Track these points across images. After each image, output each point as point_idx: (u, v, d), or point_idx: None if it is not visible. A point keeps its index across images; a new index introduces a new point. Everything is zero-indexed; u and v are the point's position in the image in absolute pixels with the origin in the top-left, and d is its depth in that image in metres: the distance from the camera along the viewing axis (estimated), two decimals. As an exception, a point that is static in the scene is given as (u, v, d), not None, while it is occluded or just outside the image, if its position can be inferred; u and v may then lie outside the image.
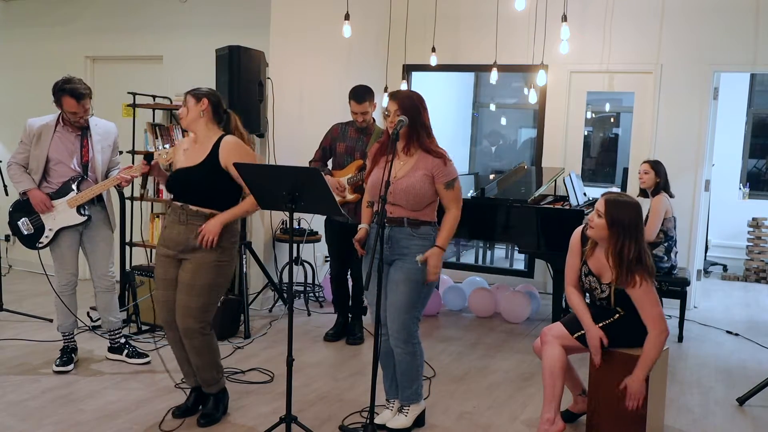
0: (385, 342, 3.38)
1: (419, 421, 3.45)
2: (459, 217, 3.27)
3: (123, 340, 4.25)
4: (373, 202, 3.35)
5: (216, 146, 3.26)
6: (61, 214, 3.92)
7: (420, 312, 3.31)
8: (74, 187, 3.94)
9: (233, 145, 3.27)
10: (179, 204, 3.29)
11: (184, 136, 3.46)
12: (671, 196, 5.25)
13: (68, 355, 4.09)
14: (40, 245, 3.95)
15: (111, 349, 4.25)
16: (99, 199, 4.04)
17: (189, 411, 3.45)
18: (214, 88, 4.96)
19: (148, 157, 3.56)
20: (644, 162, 5.38)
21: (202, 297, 3.25)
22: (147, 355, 4.20)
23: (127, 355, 4.19)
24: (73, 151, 3.97)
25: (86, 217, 3.96)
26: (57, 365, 4.00)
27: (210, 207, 3.26)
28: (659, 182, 5.23)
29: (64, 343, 4.13)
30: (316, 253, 6.06)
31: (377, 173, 3.27)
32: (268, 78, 5.17)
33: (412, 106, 3.19)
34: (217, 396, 3.47)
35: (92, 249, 4.09)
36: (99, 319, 4.82)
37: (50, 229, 3.93)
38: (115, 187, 3.96)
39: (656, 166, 5.28)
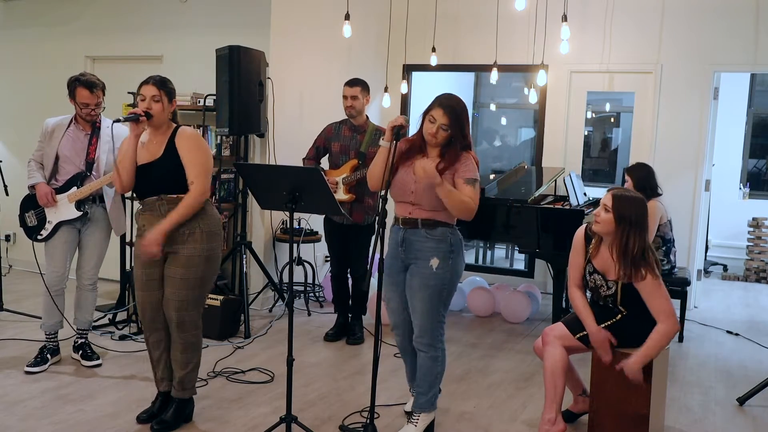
0: (401, 340, 3.36)
1: (428, 431, 3.37)
2: (471, 203, 3.15)
3: (83, 341, 4.20)
4: (396, 202, 3.31)
5: (172, 137, 3.26)
6: (62, 209, 4.01)
7: (443, 315, 3.25)
8: (77, 183, 4.01)
9: (191, 137, 3.27)
10: (154, 198, 3.25)
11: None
12: (658, 194, 5.00)
13: (43, 355, 4.05)
14: (40, 237, 4.05)
15: (74, 349, 4.23)
16: (101, 200, 4.09)
17: (155, 416, 3.35)
18: (214, 88, 5.03)
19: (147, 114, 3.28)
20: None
21: (197, 288, 3.24)
22: (98, 357, 4.16)
23: (82, 356, 4.15)
24: (80, 149, 4.04)
25: (82, 212, 4.02)
26: (28, 365, 3.97)
27: (185, 192, 3.20)
28: (638, 187, 4.80)
29: (46, 342, 4.11)
30: (316, 253, 6.06)
31: (402, 174, 3.21)
32: (268, 78, 5.17)
33: (457, 119, 3.12)
34: (182, 403, 3.35)
35: (84, 245, 4.13)
36: (98, 319, 4.83)
37: (50, 222, 4.02)
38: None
39: (630, 172, 5.02)
